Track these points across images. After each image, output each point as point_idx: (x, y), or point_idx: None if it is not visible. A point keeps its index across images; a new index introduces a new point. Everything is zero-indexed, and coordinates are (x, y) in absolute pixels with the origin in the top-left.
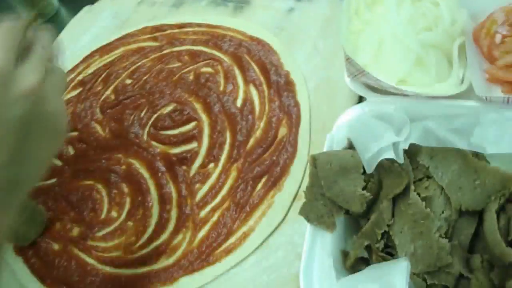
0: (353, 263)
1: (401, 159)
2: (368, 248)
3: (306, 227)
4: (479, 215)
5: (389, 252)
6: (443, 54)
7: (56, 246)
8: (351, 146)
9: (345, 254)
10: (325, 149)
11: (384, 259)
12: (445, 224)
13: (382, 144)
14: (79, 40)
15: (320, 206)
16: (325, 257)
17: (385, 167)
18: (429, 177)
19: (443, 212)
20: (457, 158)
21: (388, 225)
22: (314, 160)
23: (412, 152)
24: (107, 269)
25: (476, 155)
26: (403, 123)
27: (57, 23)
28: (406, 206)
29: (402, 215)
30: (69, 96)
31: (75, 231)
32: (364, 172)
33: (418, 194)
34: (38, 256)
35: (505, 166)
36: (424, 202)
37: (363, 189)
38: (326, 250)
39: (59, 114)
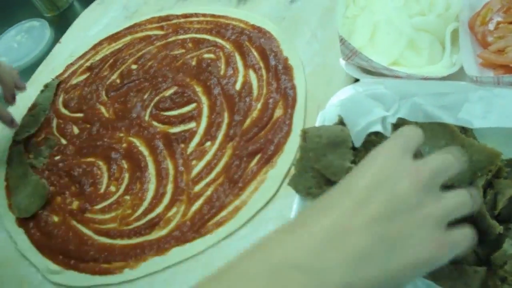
0: None
1: (388, 133)
2: None
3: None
4: None
5: None
6: (437, 38)
7: (55, 218)
8: (341, 123)
9: None
10: (316, 125)
11: None
12: None
13: (371, 118)
14: (90, 29)
15: (309, 178)
16: None
17: (374, 143)
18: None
19: None
20: (445, 134)
21: None
22: (304, 134)
23: None
24: (103, 239)
25: (464, 131)
26: (393, 100)
27: (70, 14)
28: None
29: None
30: (77, 80)
31: (75, 204)
32: (354, 148)
33: None
34: (38, 227)
35: (492, 144)
36: None
37: (352, 163)
38: None
39: None
